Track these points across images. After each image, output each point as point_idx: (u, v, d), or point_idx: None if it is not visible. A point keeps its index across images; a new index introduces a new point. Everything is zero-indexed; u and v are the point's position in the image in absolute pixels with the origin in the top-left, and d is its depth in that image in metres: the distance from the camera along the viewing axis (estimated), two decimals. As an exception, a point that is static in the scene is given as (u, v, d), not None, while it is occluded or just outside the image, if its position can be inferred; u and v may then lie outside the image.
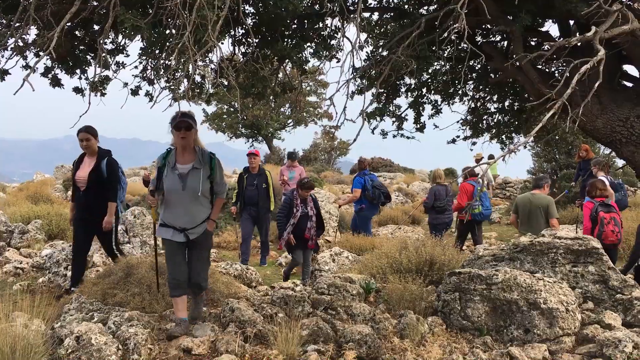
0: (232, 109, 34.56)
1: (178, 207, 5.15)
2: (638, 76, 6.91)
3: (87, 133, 6.92)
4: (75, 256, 7.26)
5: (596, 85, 5.00)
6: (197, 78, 7.12)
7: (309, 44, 6.69)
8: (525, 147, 8.17)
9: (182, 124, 4.98)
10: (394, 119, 8.34)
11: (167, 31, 5.34)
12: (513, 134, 9.11)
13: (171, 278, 5.27)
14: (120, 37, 6.53)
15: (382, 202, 11.54)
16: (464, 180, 11.07)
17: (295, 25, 6.78)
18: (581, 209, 8.70)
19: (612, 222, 7.69)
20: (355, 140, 5.98)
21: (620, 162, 11.63)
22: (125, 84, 6.50)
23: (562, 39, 6.63)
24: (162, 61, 6.15)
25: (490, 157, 18.06)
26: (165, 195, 5.18)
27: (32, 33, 6.08)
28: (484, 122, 9.10)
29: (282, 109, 36.35)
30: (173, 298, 5.32)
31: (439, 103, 8.46)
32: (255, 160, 10.25)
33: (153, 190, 5.23)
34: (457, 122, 8.93)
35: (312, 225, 8.82)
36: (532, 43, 7.63)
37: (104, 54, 5.67)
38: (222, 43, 6.45)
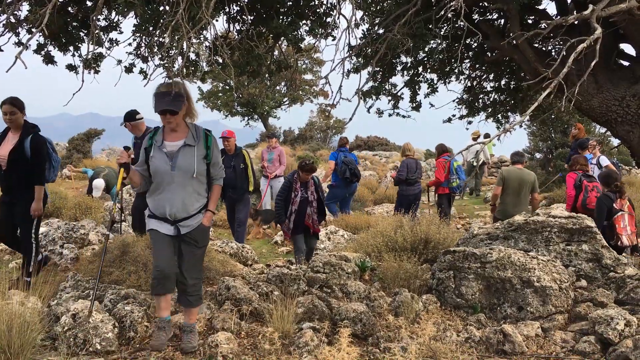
0: (227, 87, 34.38)
1: (167, 192, 4.36)
2: (635, 55, 6.89)
3: (12, 105, 6.11)
4: (5, 243, 6.81)
5: (592, 64, 4.99)
6: (192, 56, 7.07)
7: (304, 21, 6.64)
8: (520, 126, 8.20)
9: (166, 112, 4.28)
10: (389, 98, 8.31)
11: (161, 8, 5.28)
12: (509, 113, 9.12)
13: (156, 271, 4.40)
14: (113, 13, 6.46)
15: (348, 178, 11.64)
16: (439, 156, 11.60)
17: (290, 3, 6.71)
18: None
19: (595, 189, 8.12)
20: (351, 119, 5.98)
21: (615, 141, 11.65)
22: (119, 62, 6.44)
23: (559, 17, 6.59)
24: (155, 38, 6.10)
25: (487, 136, 18.08)
26: (152, 179, 4.45)
27: (24, 9, 6.01)
28: (480, 101, 9.09)
29: (277, 87, 36.18)
30: (155, 296, 4.54)
31: (435, 82, 8.43)
32: (230, 142, 9.42)
33: (128, 147, 4.67)
34: (453, 101, 8.91)
35: (313, 211, 8.18)
36: (529, 21, 7.59)
37: (97, 31, 5.61)
38: (217, 20, 6.39)
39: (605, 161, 10.50)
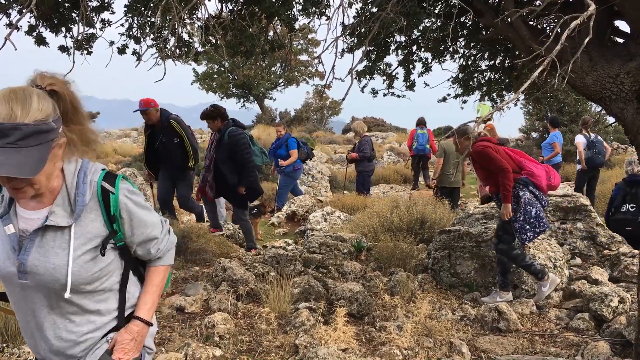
0: (222, 69, 34.18)
1: (22, 317, 1.96)
2: (629, 32, 6.85)
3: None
4: None
5: (586, 41, 4.94)
6: (185, 36, 7.01)
7: (297, 0, 6.57)
8: (515, 105, 8.19)
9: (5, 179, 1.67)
10: (384, 78, 8.26)
11: (152, -12, 5.22)
12: (504, 92, 9.07)
13: None
14: (104, -7, 6.38)
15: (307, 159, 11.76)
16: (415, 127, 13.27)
17: (282, -18, 6.64)
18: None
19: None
20: (344, 98, 5.93)
21: (610, 119, 11.73)
22: (112, 43, 6.37)
23: (554, -6, 6.54)
24: (147, 19, 6.03)
25: (482, 98, 17.93)
26: None
27: (14, -11, 5.94)
28: (475, 79, 9.04)
29: (273, 69, 36.00)
30: None
31: (430, 61, 8.37)
32: (149, 114, 7.61)
33: None
34: (448, 80, 8.87)
35: (209, 170, 7.19)
36: (524, -1, 7.53)
37: (88, 12, 5.55)
38: (209, 0, 6.33)
39: (576, 139, 10.87)
